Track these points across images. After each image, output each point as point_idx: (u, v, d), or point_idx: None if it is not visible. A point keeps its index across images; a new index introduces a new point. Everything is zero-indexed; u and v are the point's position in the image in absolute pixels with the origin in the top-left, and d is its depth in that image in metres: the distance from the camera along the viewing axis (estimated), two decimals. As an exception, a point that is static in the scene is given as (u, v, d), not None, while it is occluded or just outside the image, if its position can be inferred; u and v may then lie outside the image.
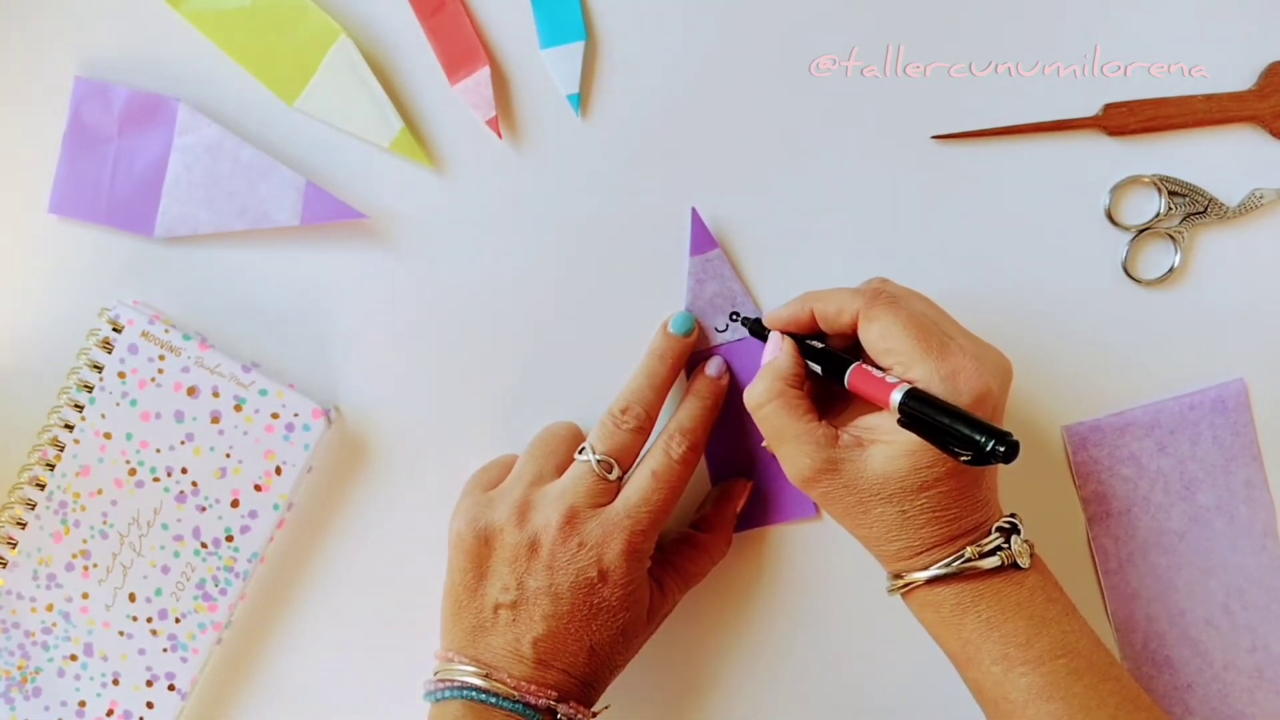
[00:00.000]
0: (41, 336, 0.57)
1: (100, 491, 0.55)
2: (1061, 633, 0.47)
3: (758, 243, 0.57)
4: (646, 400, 0.53)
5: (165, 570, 0.55)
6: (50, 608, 0.55)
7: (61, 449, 0.55)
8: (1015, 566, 0.47)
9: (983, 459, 0.43)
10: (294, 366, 0.57)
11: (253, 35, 0.56)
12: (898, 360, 0.47)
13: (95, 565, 0.55)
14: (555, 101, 0.57)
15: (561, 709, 0.50)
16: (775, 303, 0.56)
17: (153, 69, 0.56)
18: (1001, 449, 0.42)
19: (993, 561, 0.47)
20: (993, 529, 0.48)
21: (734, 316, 0.56)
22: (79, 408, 0.55)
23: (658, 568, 0.53)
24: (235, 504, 0.55)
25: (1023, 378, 0.56)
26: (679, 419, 0.54)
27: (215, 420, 0.55)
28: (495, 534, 0.51)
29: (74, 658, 0.55)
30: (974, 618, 0.47)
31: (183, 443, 0.55)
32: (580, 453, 0.52)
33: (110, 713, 0.55)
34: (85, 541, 0.55)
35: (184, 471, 0.55)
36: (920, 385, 0.46)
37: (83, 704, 0.55)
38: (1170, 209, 0.56)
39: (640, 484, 0.52)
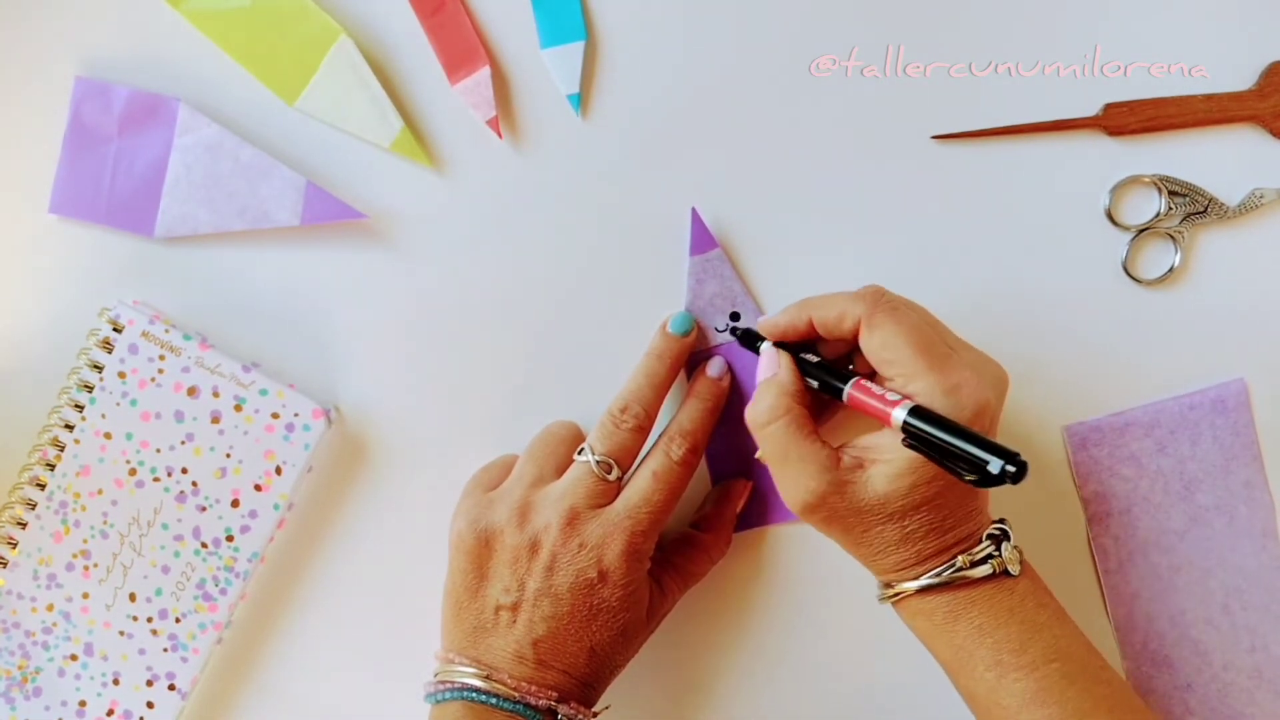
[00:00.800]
0: (41, 336, 0.57)
1: (100, 491, 0.55)
2: (1054, 637, 0.47)
3: (758, 242, 0.57)
4: (646, 400, 0.53)
5: (165, 570, 0.55)
6: (50, 608, 0.55)
7: (62, 449, 0.55)
8: (1006, 573, 0.47)
9: (989, 481, 0.42)
10: (294, 366, 0.57)
11: (253, 35, 0.55)
12: (899, 372, 0.47)
13: (95, 565, 0.55)
14: (555, 101, 0.57)
15: (562, 709, 0.50)
16: (776, 303, 0.56)
17: (153, 69, 0.56)
18: (1012, 469, 0.42)
19: (984, 570, 0.47)
20: (983, 537, 0.48)
21: (734, 316, 0.56)
22: (79, 408, 0.55)
23: (658, 567, 0.53)
24: (235, 504, 0.55)
25: (1023, 377, 0.56)
26: (680, 420, 0.54)
27: (215, 420, 0.55)
28: (495, 535, 0.51)
29: (74, 657, 0.55)
30: (966, 625, 0.47)
31: (183, 443, 0.55)
32: (580, 453, 0.52)
33: (110, 713, 0.55)
34: (85, 541, 0.55)
35: (184, 471, 0.55)
36: (921, 400, 0.45)
37: (83, 704, 0.55)
38: (1170, 209, 0.56)
39: (640, 485, 0.52)
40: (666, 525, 0.53)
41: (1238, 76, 0.57)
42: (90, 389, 0.55)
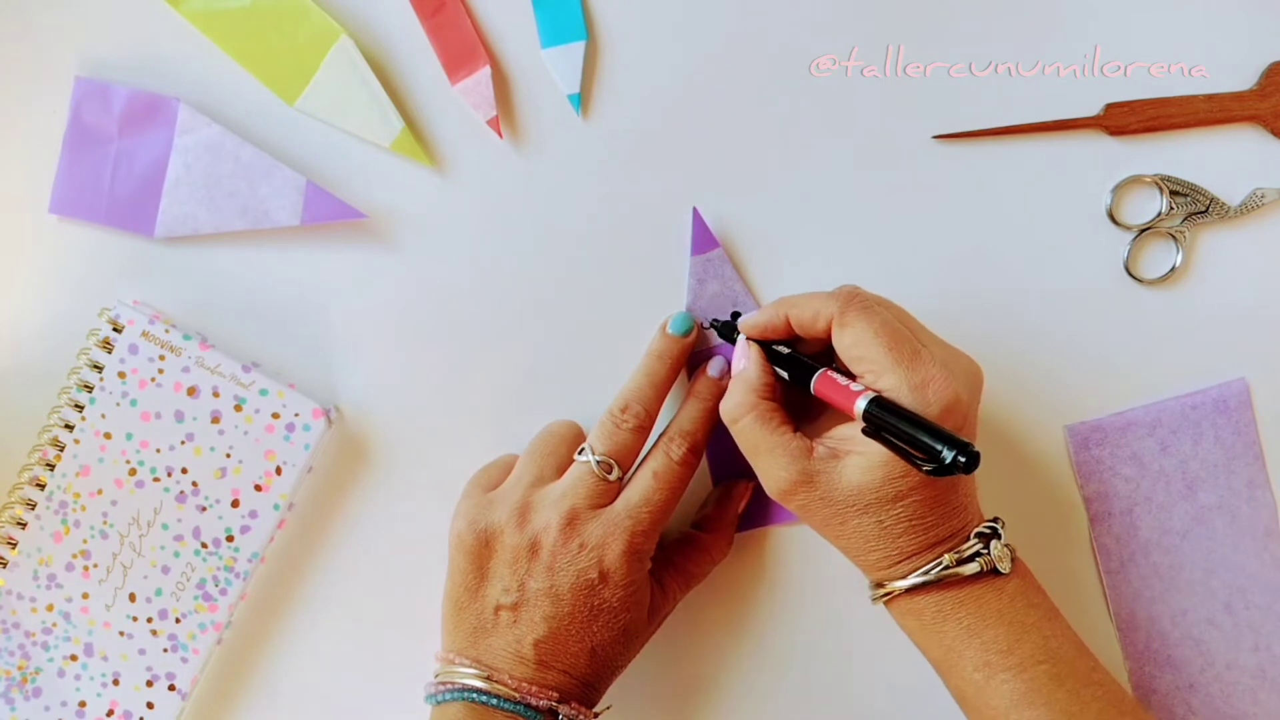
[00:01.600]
0: (41, 336, 0.56)
1: (100, 491, 0.55)
2: (1043, 638, 0.47)
3: (759, 242, 0.57)
4: (646, 399, 0.53)
5: (165, 570, 0.55)
6: (50, 608, 0.55)
7: (62, 449, 0.55)
8: (995, 572, 0.47)
9: (944, 470, 0.42)
10: (294, 366, 0.57)
11: (253, 35, 0.55)
12: (869, 369, 0.47)
13: (95, 565, 0.55)
14: (556, 101, 0.57)
15: (563, 710, 0.50)
16: (776, 302, 0.56)
17: (153, 69, 0.56)
18: (962, 460, 0.42)
19: (972, 568, 0.47)
20: (971, 535, 0.48)
21: (735, 316, 0.56)
22: (79, 408, 0.55)
23: (659, 568, 0.53)
24: (235, 504, 0.55)
25: (1024, 377, 0.56)
26: (680, 420, 0.54)
27: (215, 420, 0.55)
28: (496, 535, 0.51)
29: (74, 658, 0.55)
30: (954, 625, 0.47)
31: (183, 443, 0.55)
32: (580, 453, 0.52)
33: (110, 713, 0.55)
34: (85, 541, 0.55)
35: (184, 471, 0.55)
36: (889, 394, 0.46)
37: (83, 704, 0.55)
38: (1172, 208, 0.56)
39: (641, 485, 0.52)
40: (668, 525, 0.53)
41: (1238, 76, 0.57)
42: (90, 389, 0.54)
